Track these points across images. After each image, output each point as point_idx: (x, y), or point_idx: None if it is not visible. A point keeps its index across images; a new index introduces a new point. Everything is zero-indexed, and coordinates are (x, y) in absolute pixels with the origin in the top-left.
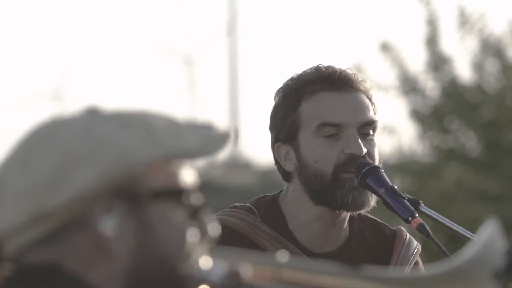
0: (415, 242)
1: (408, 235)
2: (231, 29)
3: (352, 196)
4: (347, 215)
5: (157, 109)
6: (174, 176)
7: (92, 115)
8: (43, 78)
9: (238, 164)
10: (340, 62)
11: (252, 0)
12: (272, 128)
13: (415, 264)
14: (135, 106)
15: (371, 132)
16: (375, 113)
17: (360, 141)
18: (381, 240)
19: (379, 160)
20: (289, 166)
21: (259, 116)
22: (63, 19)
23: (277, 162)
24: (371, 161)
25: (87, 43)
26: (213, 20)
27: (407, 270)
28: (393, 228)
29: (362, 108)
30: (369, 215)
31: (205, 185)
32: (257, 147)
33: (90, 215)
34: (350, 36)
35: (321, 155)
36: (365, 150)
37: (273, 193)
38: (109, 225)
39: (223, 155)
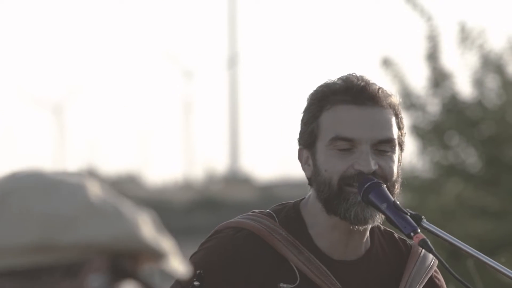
0: (430, 257)
1: (423, 250)
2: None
3: (354, 211)
4: (366, 226)
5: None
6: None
7: None
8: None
9: (237, 179)
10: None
11: (252, 20)
12: (299, 130)
13: (432, 281)
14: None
15: (389, 148)
16: (401, 129)
17: (370, 158)
18: (397, 254)
19: (397, 177)
20: (308, 172)
21: (259, 131)
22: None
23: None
24: (374, 178)
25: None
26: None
27: (419, 286)
28: (410, 243)
29: (379, 125)
30: (388, 229)
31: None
32: (256, 162)
33: (84, 266)
34: (351, 51)
35: (331, 165)
36: (374, 168)
37: (295, 200)
38: (95, 284)
39: (222, 170)
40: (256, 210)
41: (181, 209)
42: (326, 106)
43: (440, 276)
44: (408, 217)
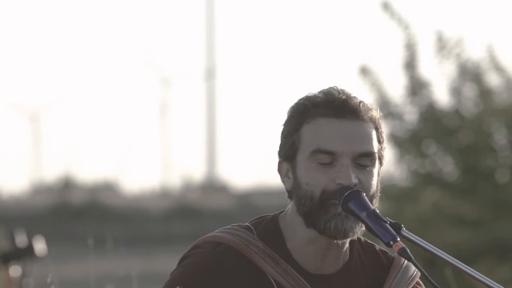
0: (413, 269)
1: (405, 262)
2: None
3: (334, 222)
4: (345, 240)
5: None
6: None
7: None
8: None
9: (215, 187)
10: (319, 87)
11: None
12: (280, 141)
13: None
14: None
15: (369, 162)
16: (381, 142)
17: (351, 172)
18: (378, 266)
19: (376, 191)
20: (287, 184)
21: (236, 139)
22: None
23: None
24: (354, 186)
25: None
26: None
27: None
28: (393, 255)
29: (360, 139)
30: (369, 241)
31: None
32: (234, 170)
33: None
34: (329, 60)
35: (312, 178)
36: (355, 181)
37: (274, 212)
38: None
39: (200, 178)
40: (235, 224)
41: (158, 217)
42: (307, 119)
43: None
44: (388, 225)
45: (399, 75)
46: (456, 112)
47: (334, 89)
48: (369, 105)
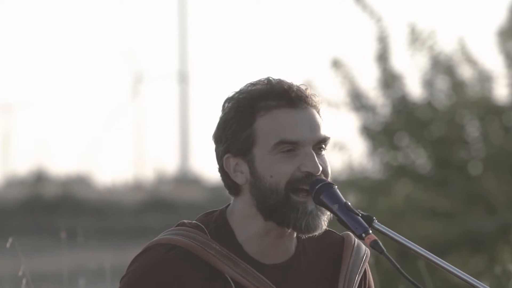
0: (363, 248)
1: (356, 240)
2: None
3: (306, 221)
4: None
5: None
6: None
7: None
8: None
9: (188, 180)
10: (291, 79)
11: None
12: (221, 140)
13: (364, 272)
14: None
15: (324, 148)
16: (325, 129)
17: (316, 159)
18: (330, 247)
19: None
20: (240, 179)
21: (209, 131)
22: None
23: (225, 173)
24: (325, 179)
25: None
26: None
27: (357, 278)
28: (341, 234)
29: (317, 126)
30: None
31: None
32: (207, 163)
33: None
34: (301, 52)
35: (277, 170)
36: (321, 168)
37: (220, 208)
38: None
39: (173, 170)
40: (185, 221)
41: (131, 210)
42: (259, 112)
43: (368, 268)
44: (360, 218)
45: (371, 67)
46: (428, 105)
47: (272, 79)
48: (311, 90)
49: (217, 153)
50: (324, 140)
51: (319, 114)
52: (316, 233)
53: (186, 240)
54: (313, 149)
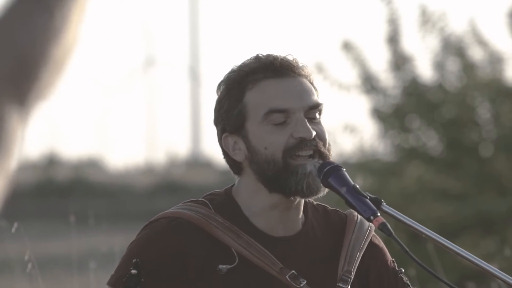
0: (366, 223)
1: (359, 217)
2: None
3: (306, 182)
4: (301, 201)
5: None
6: None
7: None
8: None
9: (199, 163)
10: (302, 61)
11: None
12: (218, 121)
13: (371, 245)
14: None
15: (317, 115)
16: (318, 97)
17: (308, 124)
18: (335, 225)
19: (330, 143)
20: (239, 156)
21: None
22: None
23: (225, 153)
24: (333, 161)
25: None
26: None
27: (359, 254)
28: (344, 212)
29: (307, 93)
30: (320, 203)
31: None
32: (218, 146)
33: None
34: (311, 35)
35: (270, 141)
36: (314, 133)
37: (225, 188)
38: None
39: (184, 154)
40: (189, 200)
41: (143, 193)
42: (248, 86)
43: (379, 240)
44: (368, 200)
45: (382, 50)
46: (439, 87)
47: (261, 54)
48: (300, 61)
49: (217, 135)
50: (316, 106)
51: (310, 83)
52: (318, 195)
53: (190, 213)
54: (306, 117)
